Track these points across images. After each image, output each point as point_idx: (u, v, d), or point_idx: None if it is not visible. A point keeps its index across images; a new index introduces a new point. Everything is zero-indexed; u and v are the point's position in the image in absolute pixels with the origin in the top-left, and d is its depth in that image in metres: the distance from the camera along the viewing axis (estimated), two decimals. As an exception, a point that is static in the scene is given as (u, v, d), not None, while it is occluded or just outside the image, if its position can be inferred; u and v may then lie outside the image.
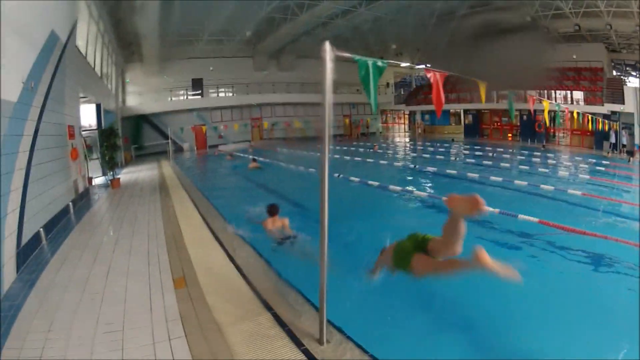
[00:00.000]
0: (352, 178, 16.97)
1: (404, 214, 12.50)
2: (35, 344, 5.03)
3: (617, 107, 28.98)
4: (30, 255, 8.53)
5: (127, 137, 33.59)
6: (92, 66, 21.67)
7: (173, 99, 39.50)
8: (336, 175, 17.59)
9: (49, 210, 10.55)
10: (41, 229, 9.55)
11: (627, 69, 34.30)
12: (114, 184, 17.71)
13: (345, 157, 25.66)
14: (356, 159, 24.90)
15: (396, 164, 23.58)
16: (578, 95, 32.86)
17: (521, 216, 10.34)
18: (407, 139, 44.35)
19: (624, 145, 28.50)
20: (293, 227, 9.92)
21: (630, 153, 26.58)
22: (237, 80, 41.70)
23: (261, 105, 43.20)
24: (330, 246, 4.88)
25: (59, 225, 11.05)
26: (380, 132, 52.16)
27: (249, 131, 43.70)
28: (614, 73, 34.12)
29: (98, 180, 19.11)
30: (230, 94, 42.48)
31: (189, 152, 38.19)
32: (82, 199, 14.57)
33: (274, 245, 9.28)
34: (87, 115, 20.99)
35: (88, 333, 5.30)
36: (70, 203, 12.80)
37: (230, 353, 4.81)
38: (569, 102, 32.80)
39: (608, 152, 28.13)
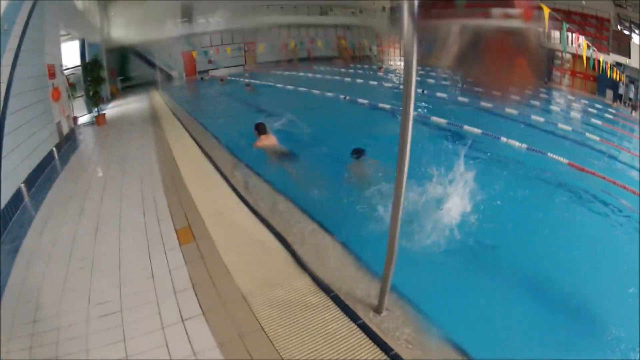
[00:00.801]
0: (361, 100, 15.75)
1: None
2: (21, 343, 3.98)
3: (623, 59, 28.37)
4: (12, 217, 7.41)
5: (112, 70, 31.90)
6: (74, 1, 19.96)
7: (160, 26, 36.89)
8: (342, 97, 16.51)
9: (30, 162, 9.40)
10: (22, 185, 8.37)
11: (632, 26, 32.81)
12: (99, 120, 16.37)
13: (350, 79, 24.51)
14: (359, 81, 23.49)
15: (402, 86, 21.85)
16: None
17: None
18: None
19: (630, 98, 27.85)
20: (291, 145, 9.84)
21: (634, 107, 26.55)
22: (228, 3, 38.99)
23: (254, 28, 40.75)
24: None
25: (42, 176, 9.90)
26: (375, 56, 50.12)
27: (242, 55, 41.57)
28: (619, 27, 32.24)
29: (84, 118, 17.72)
30: (220, 19, 39.73)
31: (178, 80, 36.44)
32: (68, 142, 13.32)
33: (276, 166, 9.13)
34: (72, 54, 19.49)
35: (80, 318, 4.27)
36: (54, 148, 11.57)
37: (266, 334, 3.77)
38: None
39: (614, 102, 27.71)
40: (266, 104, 18.17)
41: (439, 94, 19.18)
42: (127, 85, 33.92)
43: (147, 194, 7.67)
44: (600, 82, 29.34)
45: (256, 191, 7.45)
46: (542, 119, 15.16)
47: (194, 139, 11.74)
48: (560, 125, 14.37)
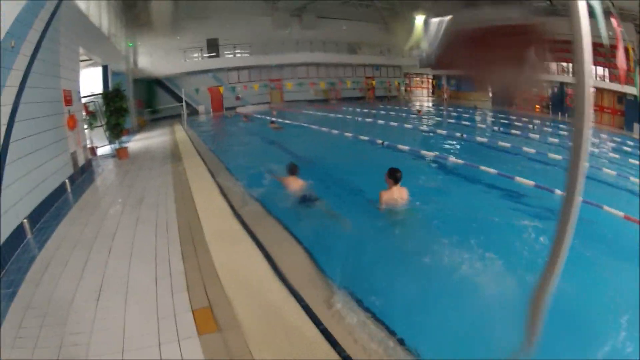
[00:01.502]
0: (400, 146, 14.72)
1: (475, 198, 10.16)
2: None
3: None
4: (10, 257, 6.47)
5: (140, 101, 31.64)
6: (98, 26, 19.39)
7: (187, 59, 36.86)
8: (380, 142, 15.62)
9: (38, 194, 8.53)
10: (25, 221, 7.44)
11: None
12: (120, 153, 15.54)
13: (387, 122, 23.54)
14: (392, 124, 22.66)
15: (440, 131, 20.96)
16: (600, 70, 30.67)
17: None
18: (432, 104, 41.91)
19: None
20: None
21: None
22: (255, 39, 38.93)
23: (282, 65, 40.56)
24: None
25: (51, 210, 9.03)
26: (403, 96, 49.42)
27: (268, 93, 41.18)
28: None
29: (103, 149, 16.96)
30: (248, 55, 39.66)
31: (204, 115, 36.01)
32: (83, 174, 12.54)
33: (297, 205, 8.54)
34: (93, 81, 19.15)
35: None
36: (67, 180, 10.76)
37: None
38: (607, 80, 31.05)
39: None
40: (293, 144, 17.29)
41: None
42: (155, 118, 33.57)
43: (161, 252, 6.46)
44: (627, 117, 28.60)
45: (289, 257, 6.20)
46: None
47: (218, 184, 10.66)
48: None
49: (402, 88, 50.22)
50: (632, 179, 11.86)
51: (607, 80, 30.24)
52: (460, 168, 12.07)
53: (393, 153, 14.54)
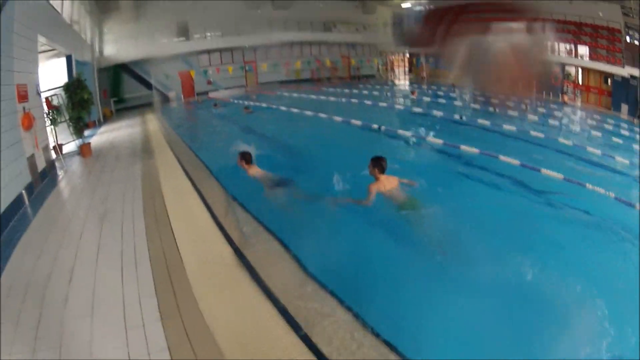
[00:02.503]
0: (401, 131, 13.51)
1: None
2: None
3: (637, 72, 27.37)
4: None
5: (105, 90, 29.92)
6: (59, 12, 17.74)
7: (156, 44, 34.90)
8: (376, 126, 14.55)
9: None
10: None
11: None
12: (83, 151, 14.16)
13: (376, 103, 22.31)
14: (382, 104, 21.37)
15: (436, 112, 19.34)
16: (583, 50, 31.33)
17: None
18: (410, 82, 41.42)
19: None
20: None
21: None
22: (226, 20, 37.16)
23: (255, 47, 38.92)
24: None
25: (5, 233, 7.65)
26: (380, 75, 48.32)
27: (243, 75, 39.47)
28: (627, 38, 31.47)
29: (69, 146, 15.51)
30: (220, 35, 37.80)
31: (175, 102, 34.25)
32: (44, 179, 11.18)
33: (269, 192, 8.02)
34: (58, 71, 17.67)
35: None
36: (24, 191, 9.42)
37: None
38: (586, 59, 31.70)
39: (634, 118, 26.19)
40: (270, 130, 16.31)
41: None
42: (122, 107, 31.85)
43: (131, 310, 4.75)
44: (614, 97, 28.70)
45: (271, 265, 5.44)
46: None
47: (193, 184, 9.49)
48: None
49: (380, 66, 49.10)
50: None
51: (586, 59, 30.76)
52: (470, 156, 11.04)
53: (393, 140, 13.33)
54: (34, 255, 6.49)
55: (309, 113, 18.52)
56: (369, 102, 22.67)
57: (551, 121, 19.67)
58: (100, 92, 27.31)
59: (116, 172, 11.41)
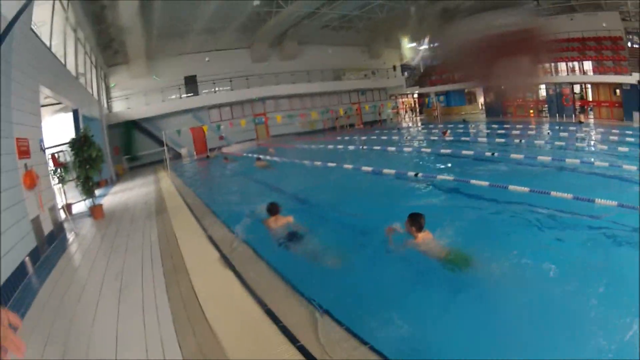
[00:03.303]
0: (441, 177, 12.11)
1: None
2: None
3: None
4: None
5: (117, 147, 29.27)
6: (63, 64, 16.93)
7: (165, 100, 34.44)
8: (413, 174, 13.30)
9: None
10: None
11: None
12: (94, 213, 12.91)
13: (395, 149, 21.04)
14: (427, 149, 20.05)
15: (465, 152, 17.50)
16: (588, 65, 31.07)
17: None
18: (422, 123, 40.71)
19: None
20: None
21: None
22: (234, 74, 36.82)
23: (264, 99, 38.36)
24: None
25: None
26: (391, 119, 47.69)
27: (254, 129, 38.78)
28: (629, 43, 31.86)
29: (80, 206, 14.36)
30: (229, 89, 37.29)
31: (188, 158, 33.37)
32: (52, 243, 9.92)
33: (281, 242, 7.97)
34: (65, 126, 16.91)
35: None
36: (28, 257, 8.12)
37: None
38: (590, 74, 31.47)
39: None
40: (289, 185, 15.07)
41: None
42: (135, 165, 31.11)
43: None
44: (625, 107, 28.44)
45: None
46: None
47: (216, 247, 8.15)
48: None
49: (389, 110, 48.52)
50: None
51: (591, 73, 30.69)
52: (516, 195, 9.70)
53: (431, 189, 11.92)
54: (39, 343, 5.07)
55: (331, 165, 17.20)
56: (392, 149, 21.37)
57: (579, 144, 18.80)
58: (112, 150, 26.52)
59: (131, 237, 10.00)
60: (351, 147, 24.11)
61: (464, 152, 17.18)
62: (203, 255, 7.80)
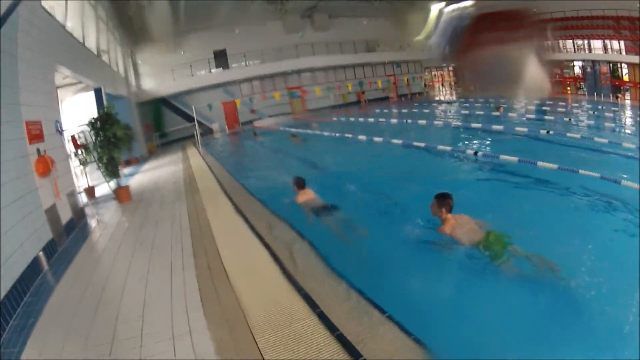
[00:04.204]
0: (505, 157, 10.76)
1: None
2: None
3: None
4: None
5: (148, 124, 28.72)
6: (82, 42, 16.08)
7: (194, 75, 33.65)
8: (473, 152, 12.13)
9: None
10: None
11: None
12: (120, 195, 11.96)
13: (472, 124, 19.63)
14: (478, 125, 18.62)
15: (519, 129, 16.08)
16: (618, 45, 30.63)
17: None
18: (458, 97, 39.35)
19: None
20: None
21: None
22: (265, 46, 35.77)
23: (300, 71, 37.33)
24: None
25: (18, 314, 5.50)
26: (427, 92, 46.18)
27: (288, 102, 37.82)
28: None
29: (104, 187, 13.58)
30: (259, 62, 36.31)
31: (220, 133, 32.70)
32: (70, 233, 9.08)
33: (312, 217, 7.78)
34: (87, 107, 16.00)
35: None
36: (42, 252, 7.23)
37: None
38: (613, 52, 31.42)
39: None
40: (324, 159, 14.51)
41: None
42: (167, 141, 30.55)
43: None
44: None
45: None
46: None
47: (264, 243, 6.83)
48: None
49: (423, 83, 46.98)
50: None
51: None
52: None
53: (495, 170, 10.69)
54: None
55: (378, 139, 16.01)
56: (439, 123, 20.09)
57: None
58: (143, 127, 25.94)
59: (160, 226, 8.97)
60: (394, 121, 23.14)
61: (518, 129, 15.78)
62: (241, 249, 6.73)
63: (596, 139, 13.04)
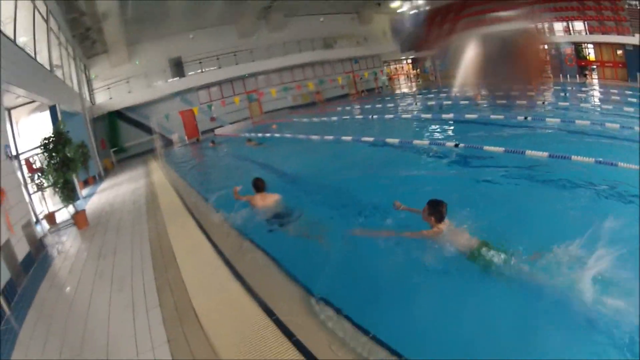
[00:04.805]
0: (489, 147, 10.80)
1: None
2: None
3: (644, 38, 27.38)
4: None
5: (103, 140, 27.89)
6: (33, 57, 15.29)
7: (150, 86, 32.90)
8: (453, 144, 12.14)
9: None
10: None
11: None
12: (78, 221, 11.45)
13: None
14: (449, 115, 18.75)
15: (495, 116, 16.05)
16: (579, 26, 31.52)
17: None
18: (420, 89, 39.91)
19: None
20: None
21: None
22: (221, 51, 35.24)
23: (255, 74, 36.95)
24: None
25: None
26: (387, 86, 46.34)
27: (247, 107, 37.38)
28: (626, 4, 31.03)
29: (64, 213, 13.04)
30: (216, 68, 35.64)
31: (179, 143, 32.08)
32: (29, 269, 8.59)
33: (272, 226, 7.64)
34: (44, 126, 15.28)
35: None
36: (1, 297, 6.76)
37: None
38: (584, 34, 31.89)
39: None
40: (284, 162, 14.50)
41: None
42: (124, 157, 29.78)
43: None
44: (629, 67, 28.17)
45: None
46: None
47: (223, 255, 6.76)
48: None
49: (383, 78, 47.12)
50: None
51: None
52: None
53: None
54: None
55: (347, 139, 15.96)
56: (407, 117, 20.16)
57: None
58: (98, 144, 25.16)
59: (119, 254, 8.52)
60: (359, 118, 23.46)
61: (493, 116, 15.87)
62: (209, 278, 6.31)
63: (577, 121, 13.34)
